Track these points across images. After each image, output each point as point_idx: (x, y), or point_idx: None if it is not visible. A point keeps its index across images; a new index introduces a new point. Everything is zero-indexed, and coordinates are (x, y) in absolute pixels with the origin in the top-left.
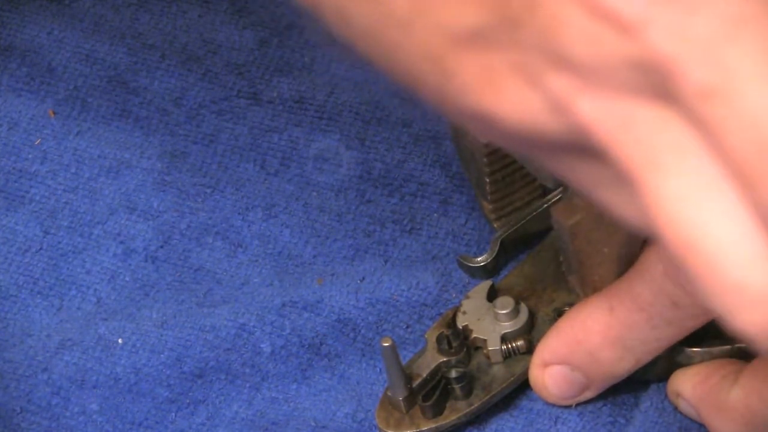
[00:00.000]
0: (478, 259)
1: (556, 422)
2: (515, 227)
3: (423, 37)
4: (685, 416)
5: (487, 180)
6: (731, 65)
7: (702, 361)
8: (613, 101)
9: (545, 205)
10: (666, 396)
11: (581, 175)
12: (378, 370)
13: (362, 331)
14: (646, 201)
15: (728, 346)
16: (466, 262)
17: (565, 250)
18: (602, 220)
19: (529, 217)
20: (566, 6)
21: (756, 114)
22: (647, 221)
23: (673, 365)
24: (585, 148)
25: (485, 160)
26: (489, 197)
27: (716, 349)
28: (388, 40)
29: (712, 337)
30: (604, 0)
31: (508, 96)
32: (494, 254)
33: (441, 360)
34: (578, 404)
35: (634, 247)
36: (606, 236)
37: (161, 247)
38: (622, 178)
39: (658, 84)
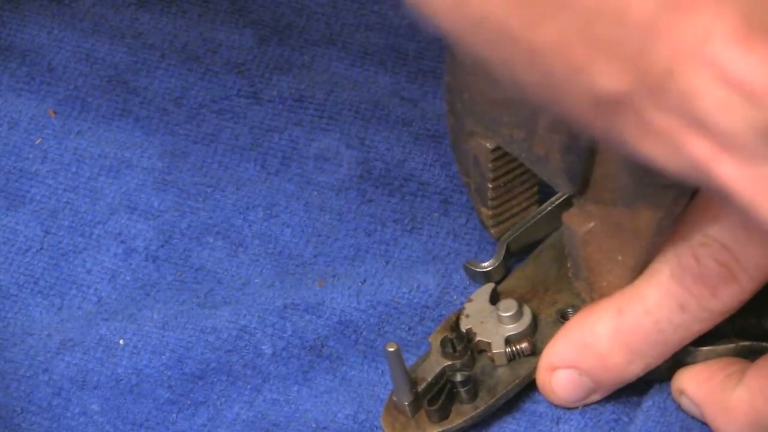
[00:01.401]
0: (484, 264)
1: (558, 422)
2: (521, 230)
3: (578, 98)
4: (688, 414)
5: (490, 186)
6: None
7: (706, 359)
8: (750, 164)
9: (549, 208)
10: (669, 395)
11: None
12: (380, 372)
13: (364, 333)
14: None
15: (733, 345)
16: (472, 267)
17: (574, 257)
18: (618, 229)
19: (533, 221)
20: (700, 75)
21: None
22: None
23: (677, 364)
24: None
25: (490, 165)
26: (489, 203)
27: (721, 348)
28: (550, 97)
29: (716, 336)
30: (735, 70)
31: (659, 151)
32: (500, 259)
33: (446, 364)
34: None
35: (650, 255)
36: (620, 244)
37: (162, 246)
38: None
39: None
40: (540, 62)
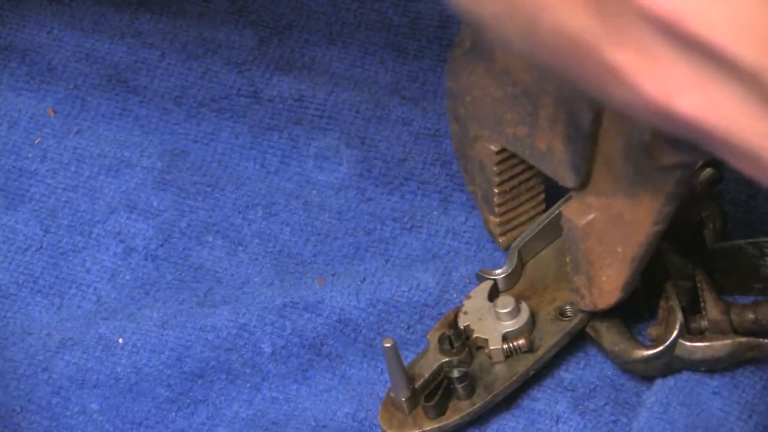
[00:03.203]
0: (498, 271)
1: (557, 422)
2: (531, 236)
3: (548, 34)
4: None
5: (496, 191)
6: None
7: (704, 356)
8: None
9: (557, 212)
10: (671, 391)
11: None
12: (379, 370)
13: (363, 332)
14: None
15: (730, 340)
16: (486, 276)
17: (574, 251)
18: (618, 220)
19: (542, 225)
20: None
21: None
22: None
23: (674, 361)
24: None
25: (495, 168)
26: (496, 210)
27: (718, 344)
28: (527, 37)
29: (713, 332)
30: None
31: (620, 94)
32: (513, 265)
33: (443, 360)
34: (579, 405)
35: (650, 246)
36: (621, 235)
37: (161, 245)
38: None
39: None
40: (514, 6)
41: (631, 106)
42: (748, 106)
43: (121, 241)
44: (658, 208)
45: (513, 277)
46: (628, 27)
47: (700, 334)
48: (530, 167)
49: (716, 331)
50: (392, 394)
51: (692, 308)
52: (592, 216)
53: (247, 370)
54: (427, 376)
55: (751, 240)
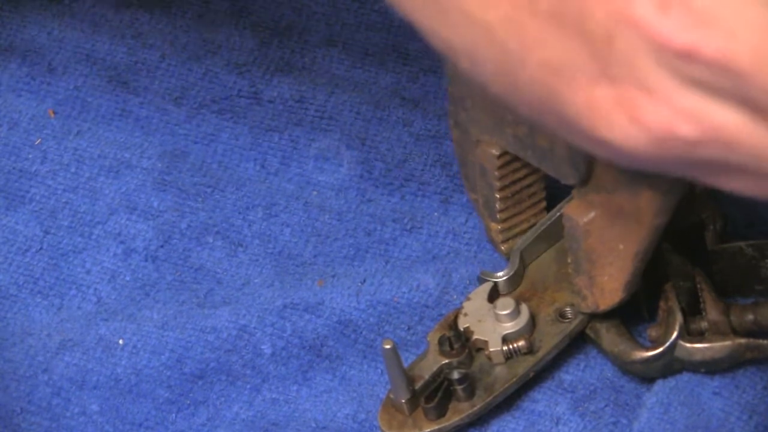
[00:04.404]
0: (499, 273)
1: (557, 423)
2: (532, 239)
3: (534, 73)
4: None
5: (497, 196)
6: None
7: (703, 358)
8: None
9: (558, 214)
10: (671, 391)
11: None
12: (379, 371)
13: (363, 333)
14: None
15: (730, 342)
16: (487, 278)
17: (575, 250)
18: (619, 216)
19: (543, 228)
20: (634, 36)
21: None
22: None
23: (673, 362)
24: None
25: (497, 173)
26: (498, 216)
27: (718, 345)
28: (509, 77)
29: (713, 333)
30: (658, 30)
31: (615, 128)
32: (515, 268)
33: (443, 362)
34: (579, 406)
35: (652, 241)
36: (622, 231)
37: (161, 246)
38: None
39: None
40: (496, 41)
41: (624, 141)
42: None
43: (122, 242)
44: (660, 199)
45: (515, 280)
46: (624, 61)
47: (699, 335)
48: (532, 172)
49: (716, 332)
50: (392, 396)
51: (692, 309)
52: (593, 214)
53: (248, 372)
54: (427, 377)
55: (751, 242)
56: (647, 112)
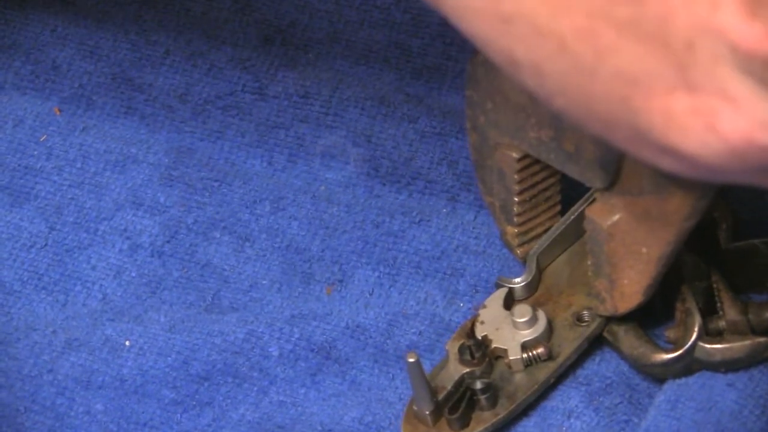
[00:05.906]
0: (517, 279)
1: (569, 417)
2: (548, 242)
3: (608, 83)
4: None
5: (516, 200)
6: None
7: (723, 358)
8: None
9: (572, 217)
10: (680, 389)
11: None
12: (390, 376)
13: (373, 336)
14: None
15: (749, 341)
16: (505, 284)
17: (597, 253)
18: (644, 219)
19: (559, 231)
20: (717, 45)
21: None
22: None
23: (693, 363)
24: None
25: (516, 176)
26: (515, 219)
27: (737, 345)
28: (579, 89)
29: (732, 332)
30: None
31: (690, 138)
32: (532, 273)
33: (464, 371)
34: (594, 399)
35: (678, 244)
36: (646, 235)
37: (168, 242)
38: None
39: None
40: (568, 51)
41: (698, 150)
42: None
43: (127, 238)
44: (692, 202)
45: (532, 285)
46: (705, 69)
47: (718, 335)
48: (550, 175)
49: (734, 331)
50: (415, 407)
51: (709, 309)
52: (616, 217)
53: (255, 374)
54: (449, 388)
55: (765, 239)
56: (726, 121)
